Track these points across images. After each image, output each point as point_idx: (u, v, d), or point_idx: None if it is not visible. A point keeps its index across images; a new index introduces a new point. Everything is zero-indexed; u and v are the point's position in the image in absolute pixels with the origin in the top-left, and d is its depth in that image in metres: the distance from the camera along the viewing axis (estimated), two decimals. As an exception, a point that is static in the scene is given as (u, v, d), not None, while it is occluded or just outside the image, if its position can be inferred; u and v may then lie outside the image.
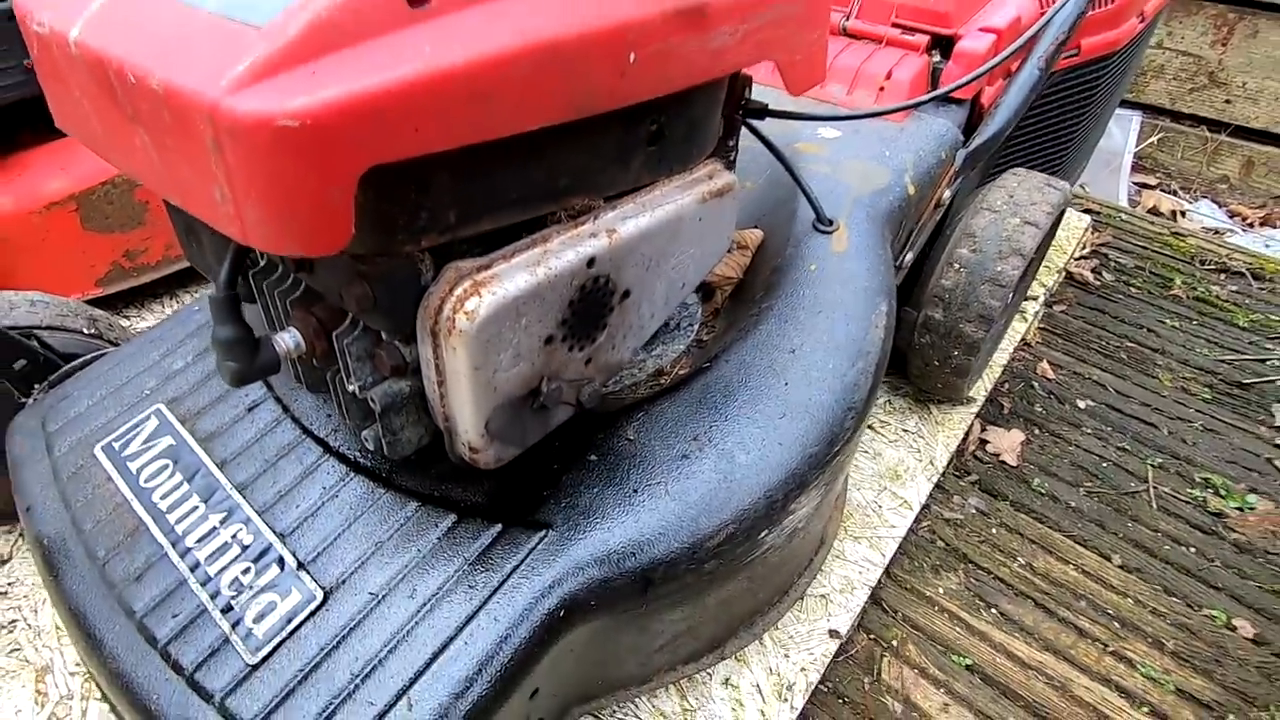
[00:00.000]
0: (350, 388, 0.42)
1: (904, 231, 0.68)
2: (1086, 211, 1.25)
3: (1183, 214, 1.47)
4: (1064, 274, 1.11)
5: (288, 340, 0.40)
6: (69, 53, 0.33)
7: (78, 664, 0.61)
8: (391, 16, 0.29)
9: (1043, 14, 0.73)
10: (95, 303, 0.79)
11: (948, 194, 0.71)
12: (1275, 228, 1.47)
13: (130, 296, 0.96)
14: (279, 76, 0.27)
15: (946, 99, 0.71)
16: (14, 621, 0.64)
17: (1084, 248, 1.19)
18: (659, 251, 0.46)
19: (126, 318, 0.95)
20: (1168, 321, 1.06)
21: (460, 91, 0.30)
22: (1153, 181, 1.59)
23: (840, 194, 0.64)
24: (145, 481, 0.51)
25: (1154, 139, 1.57)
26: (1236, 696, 0.65)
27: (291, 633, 0.42)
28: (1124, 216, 1.29)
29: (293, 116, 0.26)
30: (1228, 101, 1.47)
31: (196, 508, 0.49)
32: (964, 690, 0.65)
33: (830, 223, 0.61)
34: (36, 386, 0.60)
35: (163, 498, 0.49)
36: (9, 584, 0.66)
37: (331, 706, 0.40)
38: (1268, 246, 1.40)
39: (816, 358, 0.55)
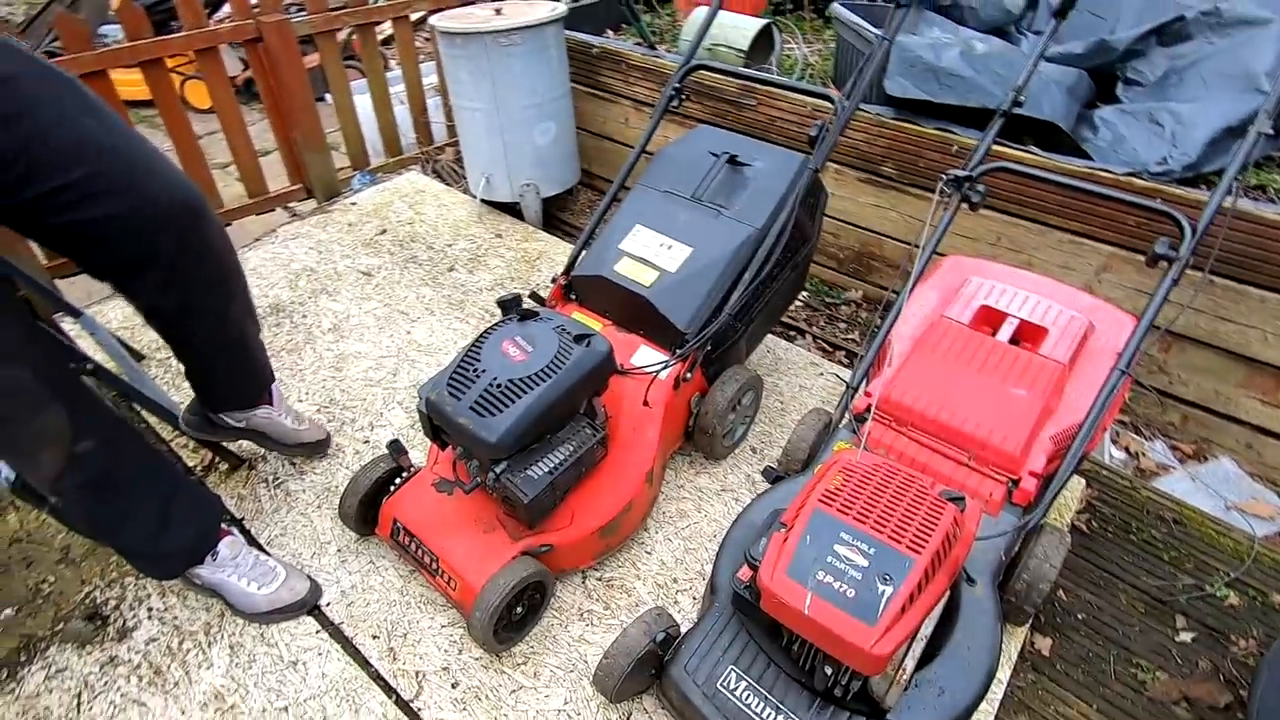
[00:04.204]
0: (830, 683, 1.33)
1: (1002, 569, 1.59)
2: (1082, 474, 2.16)
3: (1144, 454, 2.39)
4: (1071, 525, 2.03)
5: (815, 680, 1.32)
6: (803, 614, 1.25)
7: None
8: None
9: (1060, 463, 1.64)
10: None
11: (1016, 547, 1.62)
12: (1201, 462, 2.38)
13: (591, 555, 1.89)
14: (877, 643, 1.19)
15: (1014, 504, 1.63)
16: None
17: (1081, 503, 2.10)
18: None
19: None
20: (1126, 557, 1.97)
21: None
22: (1125, 419, 2.52)
23: (979, 564, 1.55)
24: (742, 697, 1.42)
25: (1128, 396, 2.49)
26: (1146, 771, 1.55)
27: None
28: (1104, 473, 2.20)
29: (886, 656, 1.18)
30: (1169, 382, 2.39)
31: (766, 708, 1.39)
32: None
33: (973, 581, 1.52)
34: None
35: (754, 706, 1.40)
36: None
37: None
38: (1193, 480, 2.31)
39: (981, 649, 1.45)
